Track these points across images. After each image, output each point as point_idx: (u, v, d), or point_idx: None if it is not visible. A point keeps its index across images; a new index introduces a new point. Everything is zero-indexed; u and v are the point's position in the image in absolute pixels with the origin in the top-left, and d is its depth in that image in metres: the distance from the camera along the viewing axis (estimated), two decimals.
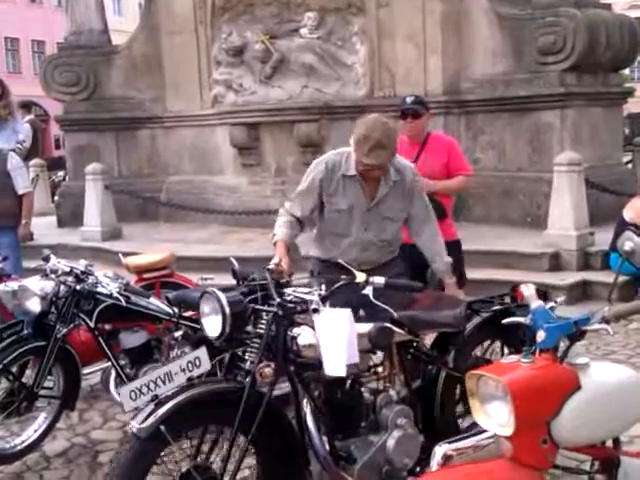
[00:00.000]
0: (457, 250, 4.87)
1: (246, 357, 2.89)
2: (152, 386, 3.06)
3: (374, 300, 2.96)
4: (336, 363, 2.73)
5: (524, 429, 2.11)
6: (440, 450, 2.64)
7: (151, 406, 2.74)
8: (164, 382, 3.08)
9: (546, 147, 8.29)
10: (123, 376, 4.16)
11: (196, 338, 4.40)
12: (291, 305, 2.90)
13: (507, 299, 3.63)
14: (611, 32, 8.32)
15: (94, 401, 4.90)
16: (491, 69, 8.70)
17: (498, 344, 3.77)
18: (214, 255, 7.55)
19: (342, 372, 2.74)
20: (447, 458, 2.65)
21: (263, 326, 2.88)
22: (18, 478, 3.96)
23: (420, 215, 3.82)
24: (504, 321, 2.75)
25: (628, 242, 6.44)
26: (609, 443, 2.41)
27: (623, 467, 2.34)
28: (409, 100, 4.77)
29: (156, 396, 2.89)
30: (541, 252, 7.13)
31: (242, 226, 8.87)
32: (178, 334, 4.37)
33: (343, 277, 3.10)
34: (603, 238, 7.06)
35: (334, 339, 2.73)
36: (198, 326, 4.39)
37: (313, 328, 2.82)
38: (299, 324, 2.89)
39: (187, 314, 4.45)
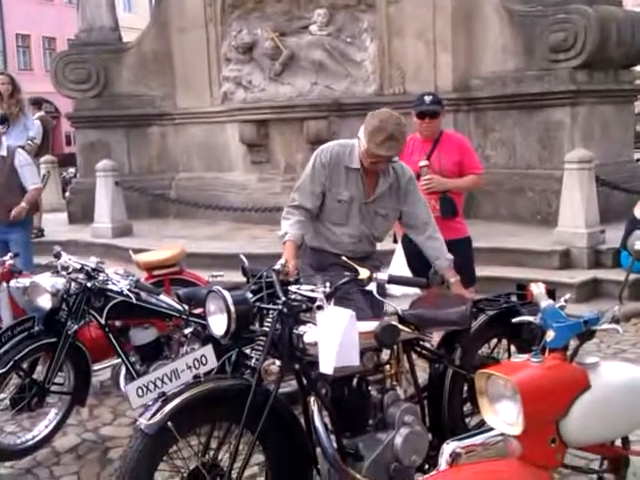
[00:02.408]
0: (467, 247, 4.87)
1: (252, 355, 2.91)
2: (159, 383, 3.08)
3: (378, 297, 2.96)
4: (327, 362, 2.73)
5: (533, 428, 2.10)
6: (448, 448, 2.63)
7: (158, 403, 2.76)
8: (171, 379, 3.11)
9: (557, 144, 8.25)
10: (133, 373, 4.18)
11: (206, 335, 4.41)
12: (296, 303, 2.91)
13: (513, 297, 3.63)
14: (622, 29, 8.27)
15: (104, 397, 4.93)
16: (501, 66, 8.67)
17: (505, 342, 3.77)
18: (224, 252, 7.57)
19: (330, 371, 2.74)
20: (455, 456, 2.64)
21: (269, 324, 2.89)
22: (28, 473, 3.98)
23: (417, 213, 3.85)
24: (514, 320, 2.75)
25: (639, 241, 6.42)
26: (618, 442, 2.40)
27: (632, 466, 2.34)
28: (428, 100, 4.70)
29: (163, 393, 2.90)
30: (551, 250, 7.11)
31: (251, 223, 8.88)
32: (188, 331, 4.39)
33: (347, 274, 3.10)
34: (614, 236, 7.03)
35: (330, 338, 2.73)
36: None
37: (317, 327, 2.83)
38: (305, 322, 2.90)
39: (197, 311, 4.46)
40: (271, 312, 2.91)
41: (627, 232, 6.80)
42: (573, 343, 2.36)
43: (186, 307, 4.40)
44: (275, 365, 2.83)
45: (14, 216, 5.94)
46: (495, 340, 3.76)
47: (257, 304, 2.97)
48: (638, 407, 2.30)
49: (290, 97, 9.40)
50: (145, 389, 3.07)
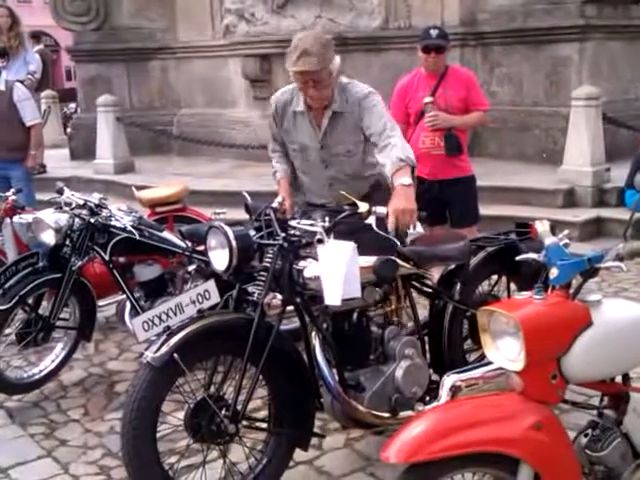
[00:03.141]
0: (471, 186, 4.85)
1: (254, 291, 2.94)
2: (164, 317, 3.13)
3: (377, 230, 2.94)
4: (333, 294, 2.76)
5: (534, 365, 2.12)
6: (449, 380, 2.67)
7: (164, 336, 2.80)
8: (175, 313, 3.16)
9: (564, 81, 8.13)
10: (138, 308, 4.22)
11: (209, 272, 4.44)
12: (295, 238, 2.93)
13: (512, 235, 3.63)
14: None
15: (110, 332, 4.99)
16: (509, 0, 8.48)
17: (504, 280, 3.79)
18: (227, 189, 7.56)
19: (337, 302, 2.77)
20: (456, 389, 2.68)
21: (270, 260, 2.92)
22: (36, 406, 4.06)
23: (378, 129, 3.30)
24: (517, 258, 2.75)
25: None
26: (618, 379, 2.42)
27: (632, 402, 2.35)
28: (434, 33, 4.60)
29: (168, 327, 2.95)
30: (555, 188, 7.08)
31: (255, 160, 8.80)
32: (191, 268, 4.41)
33: (346, 208, 3.08)
34: (619, 174, 7.00)
35: (334, 270, 2.75)
36: None
37: (317, 260, 2.85)
38: (305, 257, 2.93)
39: (200, 248, 4.47)
40: (271, 248, 2.93)
41: (632, 171, 6.76)
42: (576, 282, 2.36)
43: (189, 244, 4.41)
44: (277, 299, 2.86)
45: (31, 167, 5.94)
46: (495, 277, 3.78)
47: (257, 240, 3.00)
48: (639, 344, 2.31)
49: (293, 31, 9.18)
50: (151, 323, 3.11)
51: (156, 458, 2.83)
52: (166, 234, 4.46)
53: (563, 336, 2.18)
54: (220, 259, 2.98)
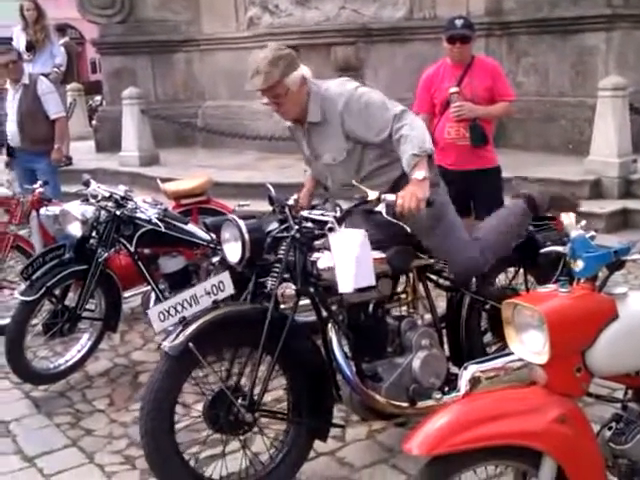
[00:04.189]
0: (497, 177, 4.82)
1: (268, 282, 2.97)
2: (179, 308, 3.16)
3: (387, 217, 2.92)
4: (346, 280, 2.78)
5: (559, 358, 2.11)
6: (468, 371, 2.67)
7: (179, 327, 2.85)
8: (190, 304, 3.19)
9: (590, 71, 8.04)
10: (162, 300, 4.25)
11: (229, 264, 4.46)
12: (308, 229, 2.95)
13: (530, 227, 3.60)
14: None
15: (134, 323, 5.03)
16: None
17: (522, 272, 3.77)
18: (251, 181, 7.58)
19: (350, 289, 2.79)
20: (475, 380, 2.67)
21: (283, 251, 2.96)
22: (62, 396, 4.11)
23: (383, 126, 3.05)
24: (542, 250, 2.73)
25: None
26: None
27: None
28: (459, 23, 4.55)
29: (183, 317, 3.01)
30: (582, 179, 7.01)
31: (278, 152, 8.82)
32: (215, 260, 4.43)
33: (355, 197, 3.07)
34: None
35: (346, 257, 2.78)
36: None
37: (331, 251, 2.86)
38: (318, 249, 2.95)
39: None
40: (285, 240, 2.97)
41: None
42: (602, 274, 2.34)
43: (213, 236, 4.43)
44: (290, 289, 2.90)
45: (57, 160, 5.98)
46: (513, 271, 3.75)
47: (272, 234, 3.04)
48: None
49: (317, 22, 9.20)
50: (166, 314, 3.15)
51: (175, 448, 2.86)
52: (190, 226, 4.48)
53: (588, 329, 2.16)
54: (233, 251, 3.05)
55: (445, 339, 3.46)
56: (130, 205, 4.21)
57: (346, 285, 2.80)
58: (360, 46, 8.86)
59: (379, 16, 9.01)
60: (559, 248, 2.46)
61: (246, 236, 2.98)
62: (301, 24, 9.25)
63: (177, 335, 2.79)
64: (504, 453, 2.10)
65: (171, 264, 4.40)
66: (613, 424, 2.35)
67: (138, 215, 4.21)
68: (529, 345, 2.17)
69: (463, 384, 2.89)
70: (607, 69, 7.87)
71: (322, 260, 2.91)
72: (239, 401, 2.88)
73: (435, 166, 3.27)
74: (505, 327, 2.24)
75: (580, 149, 7.62)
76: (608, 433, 2.33)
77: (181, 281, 4.38)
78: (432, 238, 3.23)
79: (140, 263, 4.26)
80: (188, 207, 5.14)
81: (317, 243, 2.98)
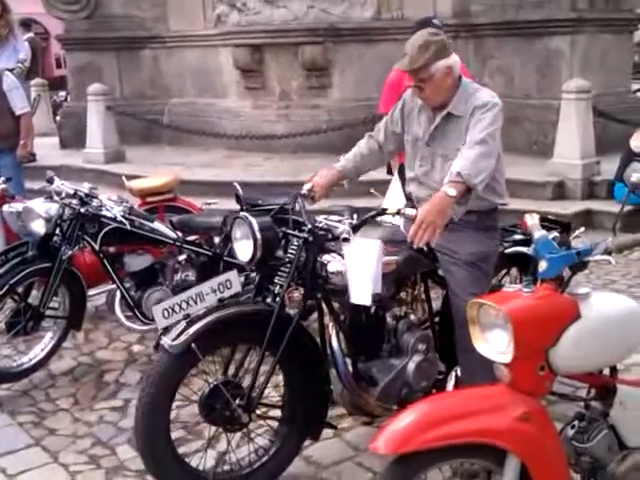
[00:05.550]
0: None
1: (276, 281, 2.95)
2: (184, 305, 3.13)
3: (404, 231, 2.94)
4: (363, 292, 2.77)
5: (523, 357, 2.14)
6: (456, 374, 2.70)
7: (183, 324, 2.82)
8: (196, 302, 3.16)
9: (555, 74, 8.14)
10: (128, 298, 4.22)
11: (199, 262, 4.44)
12: (322, 232, 2.92)
13: (519, 230, 3.65)
14: None
15: (99, 322, 4.98)
16: None
17: (515, 272, 3.81)
18: (218, 179, 7.53)
19: (367, 301, 2.79)
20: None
21: (293, 251, 2.92)
22: (25, 395, 4.05)
23: (470, 138, 3.14)
24: (506, 251, 2.77)
25: (635, 174, 6.42)
26: (606, 371, 2.44)
27: (619, 394, 2.37)
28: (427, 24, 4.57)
29: (188, 315, 2.97)
30: (545, 181, 7.10)
31: (246, 150, 8.80)
32: (182, 258, 4.41)
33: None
34: (609, 167, 7.02)
35: (362, 269, 2.75)
36: (201, 250, 4.45)
37: (342, 256, 2.85)
38: (329, 251, 2.93)
39: (190, 238, 4.47)
40: (296, 240, 2.94)
41: (622, 164, 6.79)
42: (565, 274, 2.37)
43: (180, 234, 4.41)
44: (298, 292, 2.89)
45: (21, 156, 5.90)
46: (505, 270, 3.80)
47: (283, 229, 3.01)
48: (626, 337, 2.33)
49: (285, 21, 9.18)
50: (171, 311, 3.11)
51: (170, 446, 2.88)
52: (157, 224, 4.45)
53: (551, 328, 2.19)
54: (244, 250, 2.99)
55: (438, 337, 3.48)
56: (95, 203, 4.17)
57: (362, 298, 2.79)
58: (328, 46, 8.87)
59: (347, 16, 9.02)
60: (523, 249, 2.50)
61: (258, 235, 2.91)
62: (269, 22, 9.22)
63: (180, 333, 2.77)
64: (469, 451, 2.12)
65: (137, 262, 4.36)
66: (576, 422, 2.39)
67: (103, 213, 4.17)
68: (494, 344, 2.20)
69: (450, 386, 2.94)
70: (572, 72, 7.98)
71: (333, 264, 2.88)
72: (237, 401, 2.88)
73: (467, 204, 3.05)
74: (470, 326, 2.26)
75: (545, 151, 7.71)
76: (571, 431, 2.37)
77: (147, 279, 4.35)
78: (458, 267, 3.13)
79: (105, 261, 4.22)
80: (154, 205, 5.09)
81: (328, 244, 2.95)
